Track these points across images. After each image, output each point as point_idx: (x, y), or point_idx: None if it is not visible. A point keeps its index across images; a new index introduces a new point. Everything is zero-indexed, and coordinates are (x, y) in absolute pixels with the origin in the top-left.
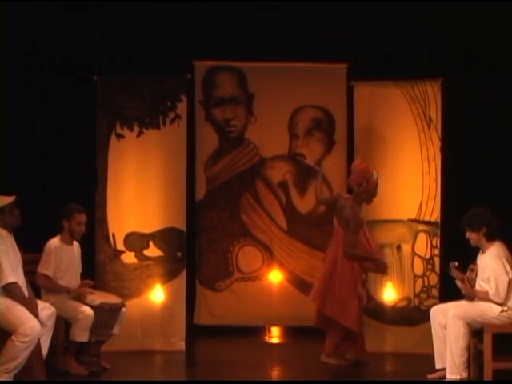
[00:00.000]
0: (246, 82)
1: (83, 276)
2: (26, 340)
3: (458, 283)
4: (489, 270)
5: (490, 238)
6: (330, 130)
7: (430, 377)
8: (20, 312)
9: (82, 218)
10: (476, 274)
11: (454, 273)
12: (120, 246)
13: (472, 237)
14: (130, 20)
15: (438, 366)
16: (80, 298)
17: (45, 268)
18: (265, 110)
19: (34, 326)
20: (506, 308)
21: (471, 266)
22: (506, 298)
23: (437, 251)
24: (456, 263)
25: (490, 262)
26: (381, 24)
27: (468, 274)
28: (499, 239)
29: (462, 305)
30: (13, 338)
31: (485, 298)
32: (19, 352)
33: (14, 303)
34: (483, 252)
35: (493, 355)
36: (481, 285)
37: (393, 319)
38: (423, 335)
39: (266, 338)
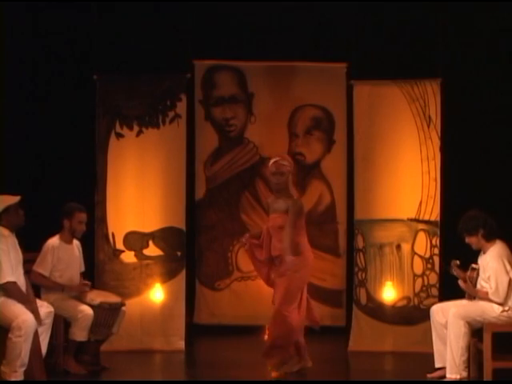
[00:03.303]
0: (245, 81)
1: (85, 275)
2: (21, 333)
3: (461, 283)
4: (489, 270)
5: (489, 238)
6: (329, 129)
7: (430, 376)
8: (13, 307)
9: (83, 216)
10: (477, 274)
11: (455, 271)
12: (120, 245)
13: (471, 241)
14: (130, 20)
15: (437, 365)
16: (79, 297)
17: (40, 266)
18: (264, 110)
19: (26, 318)
20: (506, 308)
21: (472, 266)
22: (506, 298)
23: (436, 250)
24: (457, 261)
25: (490, 262)
26: (381, 24)
27: (469, 273)
28: (499, 239)
29: (462, 304)
30: (9, 335)
31: (485, 297)
32: (19, 348)
33: (9, 300)
34: (484, 252)
35: (493, 355)
36: (482, 285)
37: (392, 318)
38: (423, 334)
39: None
